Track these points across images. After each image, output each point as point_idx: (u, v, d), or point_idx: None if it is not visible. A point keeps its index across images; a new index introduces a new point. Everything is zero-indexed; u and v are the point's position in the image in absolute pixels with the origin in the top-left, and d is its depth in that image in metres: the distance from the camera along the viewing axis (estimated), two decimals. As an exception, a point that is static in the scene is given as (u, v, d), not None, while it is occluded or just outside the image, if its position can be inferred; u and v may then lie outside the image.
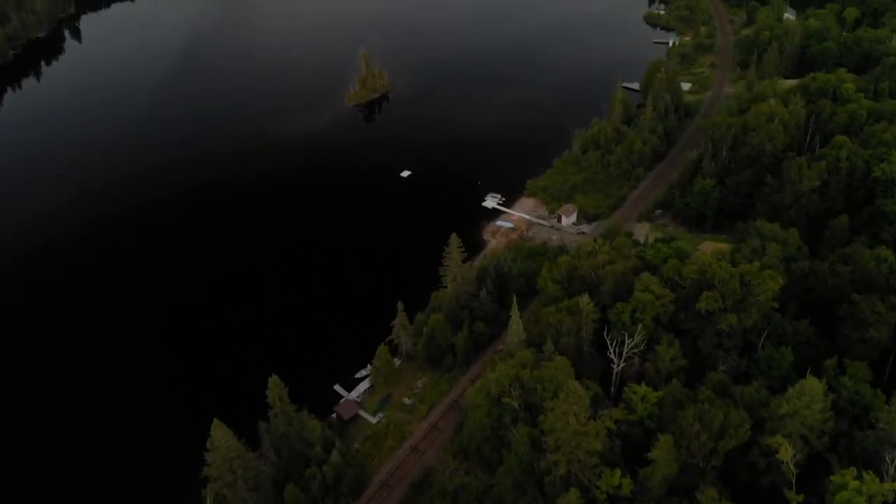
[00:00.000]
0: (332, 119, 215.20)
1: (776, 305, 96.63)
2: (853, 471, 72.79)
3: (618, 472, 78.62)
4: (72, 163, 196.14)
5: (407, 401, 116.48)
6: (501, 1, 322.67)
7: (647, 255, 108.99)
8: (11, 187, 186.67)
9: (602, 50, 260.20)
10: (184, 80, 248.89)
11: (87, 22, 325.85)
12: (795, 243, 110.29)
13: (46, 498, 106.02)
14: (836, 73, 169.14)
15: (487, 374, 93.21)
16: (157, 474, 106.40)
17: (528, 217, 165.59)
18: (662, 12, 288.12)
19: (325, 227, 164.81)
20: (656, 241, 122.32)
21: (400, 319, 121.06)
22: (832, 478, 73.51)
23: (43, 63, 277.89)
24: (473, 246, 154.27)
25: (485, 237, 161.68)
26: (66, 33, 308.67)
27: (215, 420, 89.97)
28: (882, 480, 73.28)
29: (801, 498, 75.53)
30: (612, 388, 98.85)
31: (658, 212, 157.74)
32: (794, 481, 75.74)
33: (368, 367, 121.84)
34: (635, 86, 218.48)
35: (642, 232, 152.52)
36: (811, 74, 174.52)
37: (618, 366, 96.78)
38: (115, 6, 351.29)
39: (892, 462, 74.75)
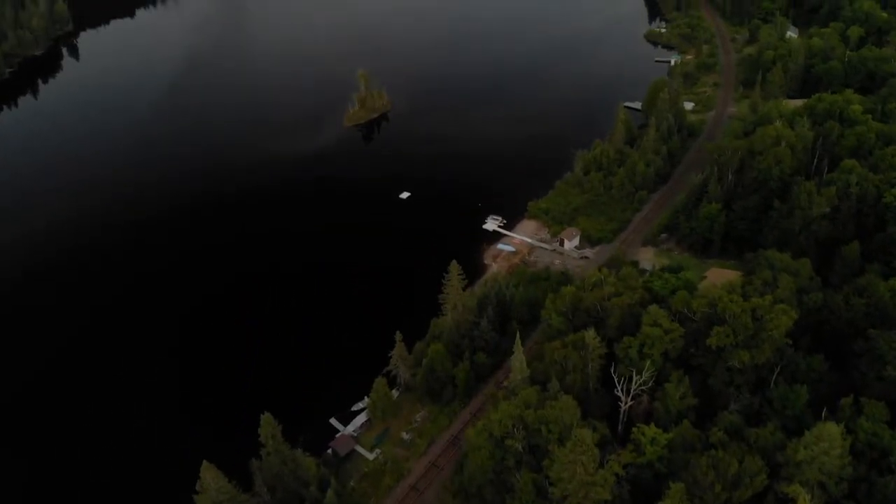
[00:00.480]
0: (329, 140, 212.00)
1: (790, 341, 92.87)
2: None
3: (627, 521, 74.74)
4: (69, 179, 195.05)
5: (405, 435, 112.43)
6: (501, 19, 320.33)
7: (654, 287, 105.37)
8: (7, 202, 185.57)
9: (603, 69, 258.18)
10: (181, 100, 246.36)
11: (86, 38, 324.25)
12: (807, 274, 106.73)
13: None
14: (843, 94, 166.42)
15: (490, 414, 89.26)
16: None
17: (529, 240, 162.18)
18: (663, 30, 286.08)
19: (321, 251, 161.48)
20: (663, 269, 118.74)
21: (398, 350, 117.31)
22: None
23: (40, 81, 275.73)
24: (474, 270, 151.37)
25: (485, 261, 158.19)
26: (64, 51, 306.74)
27: (204, 462, 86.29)
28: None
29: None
30: (620, 427, 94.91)
31: (663, 236, 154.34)
32: (812, 532, 71.86)
33: (365, 399, 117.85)
34: (637, 105, 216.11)
35: (647, 257, 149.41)
36: (817, 95, 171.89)
37: (625, 403, 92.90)
38: (114, 22, 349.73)
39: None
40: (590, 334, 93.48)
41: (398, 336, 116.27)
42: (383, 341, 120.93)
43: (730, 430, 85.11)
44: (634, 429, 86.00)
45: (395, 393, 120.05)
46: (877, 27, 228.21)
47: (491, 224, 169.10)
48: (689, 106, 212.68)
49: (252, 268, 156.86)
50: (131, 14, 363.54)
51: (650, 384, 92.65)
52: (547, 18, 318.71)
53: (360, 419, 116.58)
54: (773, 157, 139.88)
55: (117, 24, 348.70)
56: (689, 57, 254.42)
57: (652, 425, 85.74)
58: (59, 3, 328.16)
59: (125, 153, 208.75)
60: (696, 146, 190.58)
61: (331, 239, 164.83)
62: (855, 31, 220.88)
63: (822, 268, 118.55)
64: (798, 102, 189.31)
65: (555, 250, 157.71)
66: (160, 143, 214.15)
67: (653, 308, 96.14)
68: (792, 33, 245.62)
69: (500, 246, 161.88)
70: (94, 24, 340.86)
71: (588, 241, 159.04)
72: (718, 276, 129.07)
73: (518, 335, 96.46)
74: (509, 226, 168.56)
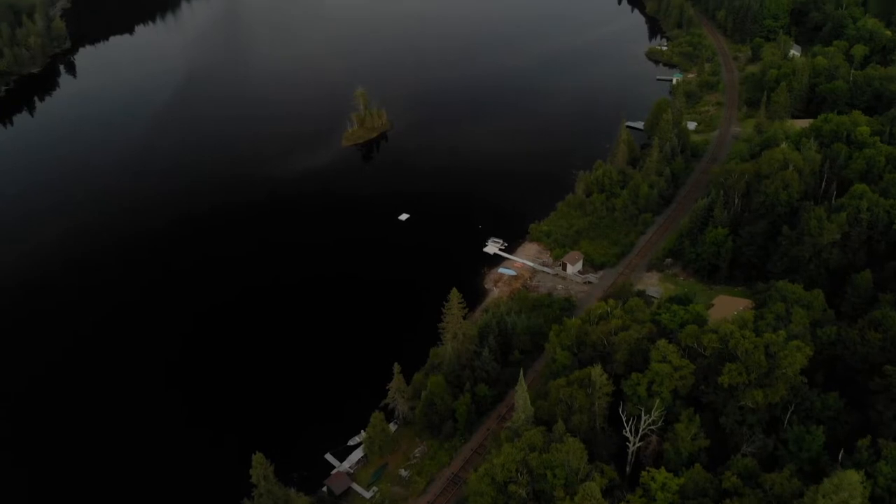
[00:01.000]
0: (328, 160, 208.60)
1: (804, 379, 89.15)
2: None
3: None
4: (66, 195, 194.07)
5: (403, 472, 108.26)
6: (499, 38, 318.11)
7: (662, 320, 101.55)
8: (5, 219, 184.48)
9: (604, 87, 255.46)
10: (178, 118, 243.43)
11: (85, 54, 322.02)
12: (821, 306, 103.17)
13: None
14: (850, 115, 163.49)
15: (492, 457, 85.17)
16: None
17: (531, 264, 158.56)
18: (664, 48, 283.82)
19: (317, 275, 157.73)
20: (670, 300, 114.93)
21: (396, 383, 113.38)
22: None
23: (36, 99, 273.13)
24: (475, 295, 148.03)
25: (486, 286, 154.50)
26: (62, 68, 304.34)
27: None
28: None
29: None
30: (628, 468, 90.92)
31: (668, 261, 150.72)
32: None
33: (362, 433, 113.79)
34: (639, 125, 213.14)
35: (652, 282, 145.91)
36: (823, 115, 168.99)
37: (634, 444, 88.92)
38: (113, 39, 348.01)
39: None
40: (596, 371, 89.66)
41: (396, 368, 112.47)
42: (381, 370, 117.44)
43: (744, 474, 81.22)
44: (644, 473, 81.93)
45: (392, 426, 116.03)
46: (881, 45, 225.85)
47: (492, 247, 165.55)
48: (691, 125, 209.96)
49: (248, 291, 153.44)
50: (130, 31, 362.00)
51: (659, 423, 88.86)
52: (547, 33, 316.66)
53: (357, 454, 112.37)
54: (781, 181, 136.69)
55: (116, 41, 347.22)
56: (690, 75, 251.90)
57: (662, 469, 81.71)
58: (57, 20, 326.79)
59: (123, 171, 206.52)
60: (701, 167, 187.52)
61: (327, 263, 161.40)
62: (859, 50, 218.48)
63: (832, 297, 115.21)
64: (804, 123, 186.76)
65: (557, 274, 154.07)
66: (157, 161, 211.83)
67: (661, 343, 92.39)
68: (795, 52, 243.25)
69: (501, 270, 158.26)
70: (94, 40, 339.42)
71: (591, 265, 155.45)
72: (726, 305, 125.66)
73: (522, 373, 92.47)
74: (510, 248, 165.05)
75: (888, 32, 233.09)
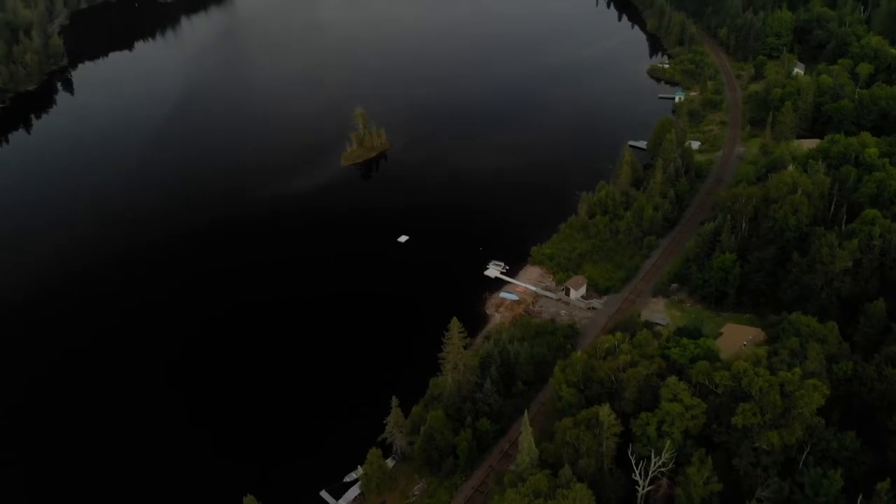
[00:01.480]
0: (325, 181, 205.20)
1: (821, 420, 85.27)
2: None
3: None
4: (65, 210, 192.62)
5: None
6: (499, 56, 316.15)
7: (672, 355, 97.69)
8: (3, 233, 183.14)
9: (606, 105, 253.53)
10: (175, 135, 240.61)
11: (83, 71, 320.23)
12: (836, 339, 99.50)
13: None
14: (859, 136, 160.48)
15: (495, 503, 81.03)
16: None
17: (533, 288, 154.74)
18: (666, 66, 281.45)
19: (314, 298, 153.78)
20: (679, 331, 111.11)
21: (394, 417, 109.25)
22: None
23: (33, 116, 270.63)
24: (475, 320, 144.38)
25: (487, 311, 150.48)
26: (59, 85, 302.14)
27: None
28: None
29: None
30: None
31: (674, 286, 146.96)
32: None
33: (359, 469, 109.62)
34: (642, 144, 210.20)
35: (658, 308, 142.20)
36: (830, 136, 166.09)
37: (643, 488, 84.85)
38: (112, 55, 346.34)
39: None
40: (604, 411, 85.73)
41: (395, 402, 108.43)
42: (378, 402, 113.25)
43: (760, 523, 77.27)
44: (654, 520, 78.01)
45: (390, 462, 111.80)
46: (886, 64, 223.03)
47: (493, 270, 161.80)
48: (695, 145, 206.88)
49: (244, 307, 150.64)
50: (130, 47, 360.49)
51: (670, 465, 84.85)
52: (546, 50, 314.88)
53: (353, 492, 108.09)
54: (790, 206, 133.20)
55: (116, 57, 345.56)
56: (693, 93, 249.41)
57: (674, 516, 77.85)
58: (55, 37, 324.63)
59: (123, 185, 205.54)
60: (705, 188, 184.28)
61: (324, 286, 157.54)
62: (865, 69, 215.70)
63: (844, 326, 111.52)
64: (810, 143, 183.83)
65: (560, 300, 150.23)
66: (154, 177, 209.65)
67: (672, 380, 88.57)
68: (798, 70, 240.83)
69: (502, 294, 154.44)
70: (93, 57, 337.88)
71: (595, 289, 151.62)
72: (735, 334, 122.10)
73: (526, 414, 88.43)
74: (512, 272, 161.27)
75: (893, 50, 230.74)
